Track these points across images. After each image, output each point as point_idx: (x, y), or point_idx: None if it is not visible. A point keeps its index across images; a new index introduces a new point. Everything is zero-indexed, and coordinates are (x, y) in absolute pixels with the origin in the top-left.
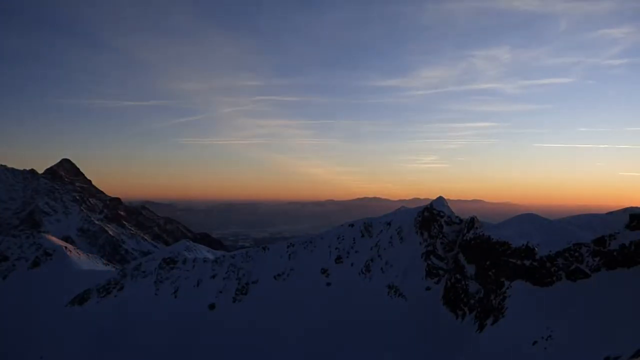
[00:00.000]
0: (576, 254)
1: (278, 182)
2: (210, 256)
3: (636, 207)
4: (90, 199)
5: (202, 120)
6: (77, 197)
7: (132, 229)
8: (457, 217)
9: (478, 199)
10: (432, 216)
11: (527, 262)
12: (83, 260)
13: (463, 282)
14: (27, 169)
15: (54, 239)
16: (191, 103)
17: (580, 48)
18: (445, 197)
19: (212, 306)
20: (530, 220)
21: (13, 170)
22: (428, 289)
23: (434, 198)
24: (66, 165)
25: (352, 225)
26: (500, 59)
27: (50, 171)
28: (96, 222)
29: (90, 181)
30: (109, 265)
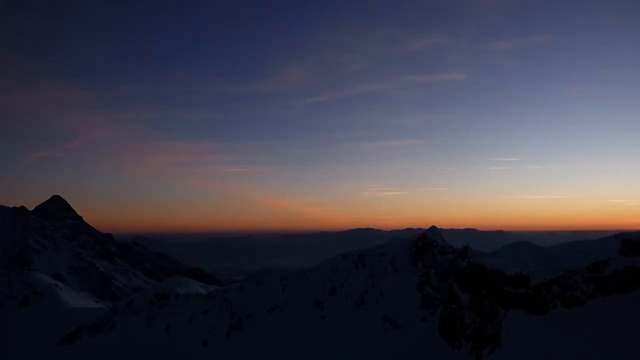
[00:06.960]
0: (570, 280)
1: (240, 214)
2: (203, 291)
3: (628, 232)
4: (81, 236)
5: (86, 146)
6: (68, 234)
7: (124, 265)
8: (450, 246)
9: (470, 227)
10: (425, 246)
11: (521, 291)
12: (74, 297)
13: (459, 312)
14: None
15: (44, 276)
16: (52, 125)
17: (438, 23)
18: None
19: (204, 342)
20: (523, 248)
21: (2, 207)
22: (424, 319)
23: (427, 227)
24: (57, 201)
25: (345, 256)
26: (356, 43)
27: (41, 208)
28: (87, 259)
29: (81, 217)
30: (100, 302)
